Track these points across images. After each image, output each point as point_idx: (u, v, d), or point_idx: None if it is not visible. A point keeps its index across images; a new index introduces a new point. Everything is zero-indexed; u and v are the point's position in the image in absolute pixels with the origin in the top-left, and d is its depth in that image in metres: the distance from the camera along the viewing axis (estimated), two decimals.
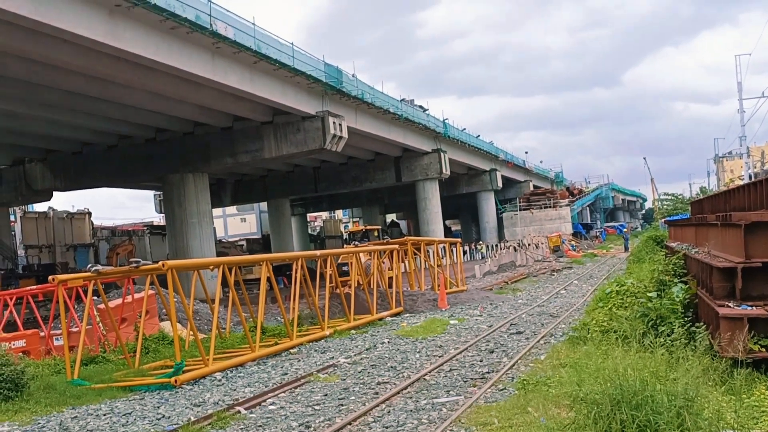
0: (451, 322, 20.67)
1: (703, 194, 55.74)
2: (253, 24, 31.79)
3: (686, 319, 11.43)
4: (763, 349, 8.92)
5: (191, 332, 15.89)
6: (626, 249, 60.83)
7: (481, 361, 14.21)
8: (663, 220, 47.15)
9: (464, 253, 62.02)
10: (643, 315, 12.18)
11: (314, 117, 38.67)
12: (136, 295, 18.66)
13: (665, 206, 79.17)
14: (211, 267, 18.68)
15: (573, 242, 70.12)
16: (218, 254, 42.63)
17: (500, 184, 79.78)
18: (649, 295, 12.90)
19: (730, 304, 9.44)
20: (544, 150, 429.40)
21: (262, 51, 32.02)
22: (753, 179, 19.88)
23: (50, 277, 14.84)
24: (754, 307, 9.24)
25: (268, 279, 17.52)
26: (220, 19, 29.09)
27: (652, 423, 6.59)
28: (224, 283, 16.09)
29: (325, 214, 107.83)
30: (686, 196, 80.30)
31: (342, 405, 11.16)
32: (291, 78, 35.81)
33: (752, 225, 9.62)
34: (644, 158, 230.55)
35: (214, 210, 47.81)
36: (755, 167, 71.78)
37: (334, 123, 39.09)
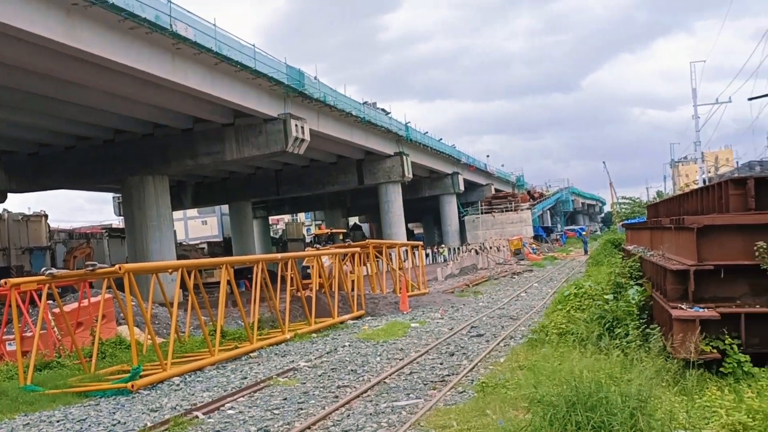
0: (413, 325, 20.70)
1: (660, 198, 56.58)
2: (214, 25, 31.57)
3: (641, 321, 11.59)
4: (714, 350, 9.08)
5: (149, 336, 15.70)
6: (585, 252, 61.77)
7: (441, 364, 14.26)
8: (621, 224, 47.86)
9: (426, 256, 62.21)
10: (599, 317, 12.31)
11: (276, 119, 38.52)
12: (93, 299, 18.38)
13: (623, 210, 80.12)
14: (169, 270, 18.49)
15: (534, 245, 70.75)
16: (179, 257, 42.17)
17: (462, 188, 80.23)
18: (606, 297, 13.05)
19: (682, 306, 9.58)
20: (505, 154, 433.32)
21: (223, 52, 31.81)
22: (707, 183, 20.20)
23: (2, 281, 14.55)
24: (705, 309, 9.39)
25: (229, 282, 17.41)
26: (180, 20, 28.83)
27: (606, 424, 6.66)
28: (184, 287, 15.94)
29: (287, 217, 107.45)
30: (644, 199, 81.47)
31: (301, 409, 11.11)
32: (253, 80, 35.64)
33: (704, 228, 9.79)
34: (603, 162, 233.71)
35: (174, 212, 47.30)
36: (709, 172, 73.17)
37: (296, 125, 38.98)
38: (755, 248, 9.48)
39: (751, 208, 10.21)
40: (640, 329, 10.99)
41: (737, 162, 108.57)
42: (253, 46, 34.91)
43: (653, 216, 19.61)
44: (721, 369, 9.08)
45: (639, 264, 13.93)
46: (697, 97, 56.92)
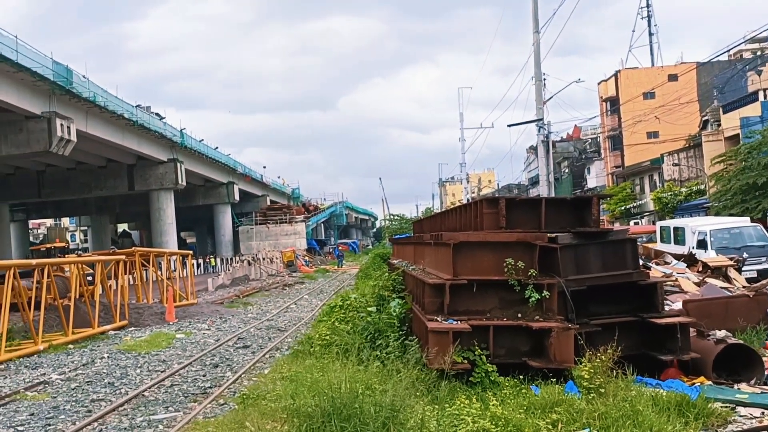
0: (178, 336, 20.16)
1: (427, 215, 59.63)
2: None
3: (401, 332, 12.01)
4: (465, 361, 9.60)
5: None
6: (341, 265, 66.74)
7: (204, 375, 13.96)
8: (389, 238, 49.98)
9: (198, 266, 60.92)
10: (362, 329, 12.62)
11: (40, 117, 36.09)
12: None
13: (393, 225, 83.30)
14: None
15: (307, 257, 71.53)
16: None
17: (237, 198, 79.45)
18: (369, 309, 13.41)
19: (438, 319, 10.06)
20: (272, 166, 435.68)
21: None
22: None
23: None
24: (459, 322, 9.92)
25: None
26: None
27: None
28: None
29: (49, 221, 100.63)
30: (413, 216, 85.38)
31: (49, 425, 10.39)
32: (14, 74, 33.12)
33: (459, 244, 10.37)
34: (380, 179, 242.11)
35: None
36: (473, 192, 78.12)
37: (62, 125, 36.71)
38: (504, 264, 10.18)
39: (502, 227, 10.97)
40: (400, 341, 11.39)
41: (498, 184, 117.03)
42: (16, 37, 32.50)
43: (418, 231, 20.52)
44: (471, 379, 9.60)
45: (402, 277, 14.45)
46: (460, 122, 60.91)
